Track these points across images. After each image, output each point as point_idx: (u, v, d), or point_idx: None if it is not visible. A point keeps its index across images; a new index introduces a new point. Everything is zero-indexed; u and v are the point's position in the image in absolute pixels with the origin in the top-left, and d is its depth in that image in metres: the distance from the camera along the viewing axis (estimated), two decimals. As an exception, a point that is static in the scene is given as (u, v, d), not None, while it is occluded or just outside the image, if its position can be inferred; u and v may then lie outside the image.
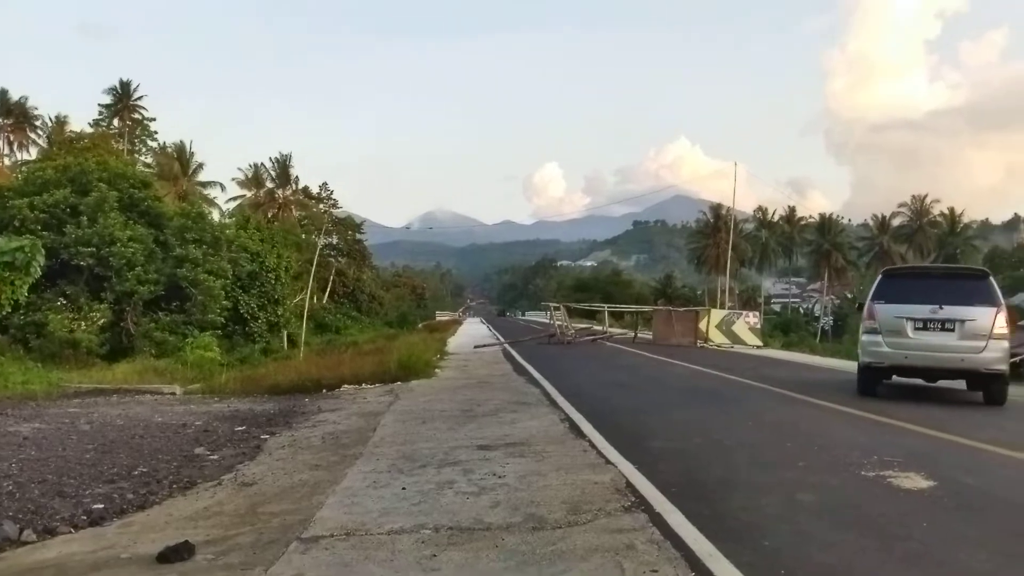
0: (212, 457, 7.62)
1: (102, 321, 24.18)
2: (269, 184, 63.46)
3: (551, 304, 35.47)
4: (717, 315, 29.20)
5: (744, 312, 31.58)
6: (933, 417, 9.06)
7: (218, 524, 5.06)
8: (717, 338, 26.82)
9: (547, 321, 36.18)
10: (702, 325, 27.04)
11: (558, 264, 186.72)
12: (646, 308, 38.19)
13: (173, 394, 13.94)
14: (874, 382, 11.38)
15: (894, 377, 11.83)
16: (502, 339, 29.19)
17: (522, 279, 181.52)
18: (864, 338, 11.27)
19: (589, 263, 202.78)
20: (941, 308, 10.48)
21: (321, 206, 66.05)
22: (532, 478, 5.66)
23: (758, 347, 26.41)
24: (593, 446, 6.79)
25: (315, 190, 66.73)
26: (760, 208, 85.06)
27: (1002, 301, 10.70)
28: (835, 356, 25.78)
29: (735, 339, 26.87)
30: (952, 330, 10.42)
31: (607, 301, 52.32)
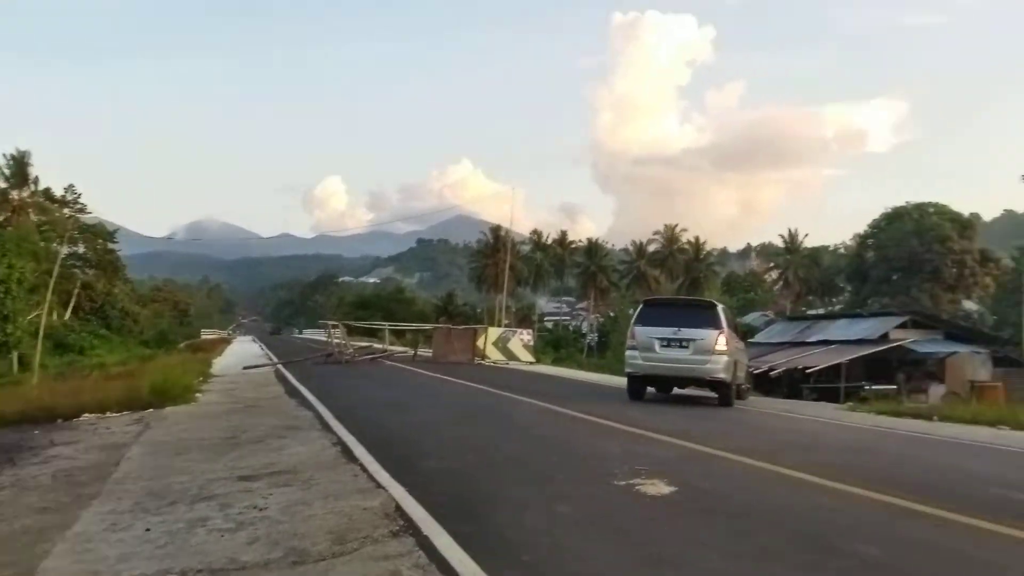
0: (-96, 506, 6.37)
1: None
2: (1, 184, 55.45)
3: (329, 322, 34.49)
4: (494, 333, 30.24)
5: (519, 330, 33.02)
6: (677, 427, 10.05)
7: (-96, 589, 4.23)
8: (494, 355, 27.74)
9: (326, 339, 35.13)
10: (480, 343, 27.83)
11: (340, 280, 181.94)
12: (427, 326, 38.47)
13: None
14: (638, 388, 14.12)
15: (675, 390, 14.92)
16: (275, 359, 27.86)
17: (300, 295, 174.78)
18: (627, 353, 13.93)
19: (372, 280, 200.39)
20: (679, 330, 13.16)
21: (66, 210, 58.82)
22: (297, 508, 5.39)
23: (531, 363, 27.72)
24: (364, 470, 6.63)
25: (59, 192, 59.37)
26: (536, 231, 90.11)
27: (724, 326, 13.43)
28: (599, 371, 27.85)
29: (510, 356, 27.97)
30: (687, 347, 13.12)
31: (389, 319, 52.06)
